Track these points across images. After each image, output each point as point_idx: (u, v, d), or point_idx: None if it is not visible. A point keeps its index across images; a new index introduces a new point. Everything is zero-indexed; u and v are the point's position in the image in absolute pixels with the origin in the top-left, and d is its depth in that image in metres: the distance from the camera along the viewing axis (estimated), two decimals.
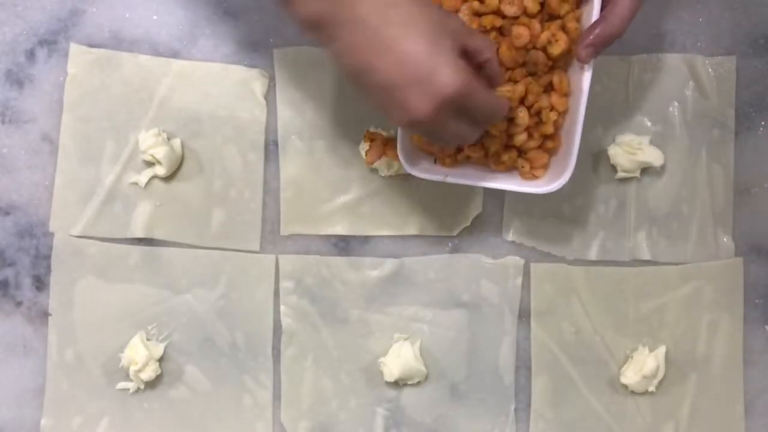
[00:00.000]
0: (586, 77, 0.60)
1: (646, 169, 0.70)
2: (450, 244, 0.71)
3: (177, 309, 0.70)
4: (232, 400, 0.70)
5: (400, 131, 0.62)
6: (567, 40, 0.59)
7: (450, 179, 0.63)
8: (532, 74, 0.61)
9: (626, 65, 0.70)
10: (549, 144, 0.63)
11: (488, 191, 0.70)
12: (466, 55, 0.53)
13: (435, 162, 0.65)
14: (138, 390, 0.70)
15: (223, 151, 0.70)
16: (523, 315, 0.70)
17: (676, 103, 0.71)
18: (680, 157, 0.71)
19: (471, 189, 0.70)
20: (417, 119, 0.51)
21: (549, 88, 0.62)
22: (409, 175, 0.69)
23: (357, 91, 0.54)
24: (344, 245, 0.71)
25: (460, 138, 0.55)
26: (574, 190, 0.70)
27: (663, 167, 0.70)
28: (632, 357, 0.70)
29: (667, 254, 0.71)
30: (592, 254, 0.71)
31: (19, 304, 0.70)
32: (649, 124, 0.71)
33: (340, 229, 0.70)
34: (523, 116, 0.61)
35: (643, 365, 0.68)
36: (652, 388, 0.69)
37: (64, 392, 0.70)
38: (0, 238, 0.70)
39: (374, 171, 0.70)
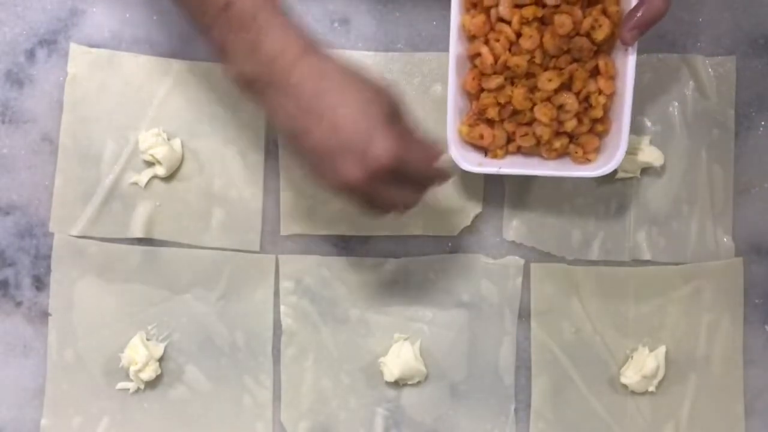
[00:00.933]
0: (631, 59, 0.61)
1: (646, 169, 0.70)
2: (450, 244, 0.71)
3: (177, 309, 0.70)
4: (232, 400, 0.70)
5: (449, 130, 0.63)
6: (610, 24, 0.61)
7: (504, 170, 0.64)
8: (576, 60, 0.62)
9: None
10: (599, 127, 0.64)
11: (489, 191, 0.70)
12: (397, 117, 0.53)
13: (486, 155, 0.66)
14: (138, 390, 0.70)
15: (223, 151, 0.70)
16: (523, 315, 0.70)
17: (676, 103, 0.71)
18: (680, 157, 0.71)
19: (471, 189, 0.70)
20: (349, 186, 0.52)
21: (595, 73, 0.63)
22: None
23: (290, 153, 0.53)
24: (344, 245, 0.71)
25: (398, 204, 0.55)
26: (574, 190, 0.70)
27: (663, 167, 0.70)
28: (632, 357, 0.70)
29: (667, 254, 0.71)
30: (592, 254, 0.71)
31: (19, 304, 0.70)
32: (649, 124, 0.71)
33: (340, 229, 0.70)
34: (571, 102, 0.63)
35: (643, 365, 0.68)
36: (652, 388, 0.69)
37: (64, 392, 0.70)
38: (0, 238, 0.70)
39: None
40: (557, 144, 0.64)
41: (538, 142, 0.65)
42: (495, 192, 0.70)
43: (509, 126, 0.65)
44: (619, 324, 0.70)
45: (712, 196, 0.71)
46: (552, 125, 0.64)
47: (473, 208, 0.70)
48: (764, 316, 0.71)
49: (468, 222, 0.70)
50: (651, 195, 0.71)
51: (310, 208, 0.70)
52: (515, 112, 0.64)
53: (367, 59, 0.70)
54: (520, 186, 0.70)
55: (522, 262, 0.70)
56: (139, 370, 0.68)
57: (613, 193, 0.71)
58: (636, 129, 0.70)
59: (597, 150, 0.65)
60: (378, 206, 0.55)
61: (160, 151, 0.68)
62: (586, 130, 0.64)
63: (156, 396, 0.70)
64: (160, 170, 0.69)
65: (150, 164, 0.69)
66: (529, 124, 0.65)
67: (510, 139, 0.66)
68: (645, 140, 0.69)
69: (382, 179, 0.52)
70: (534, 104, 0.64)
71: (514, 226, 0.71)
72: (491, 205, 0.71)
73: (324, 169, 0.52)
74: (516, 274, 0.70)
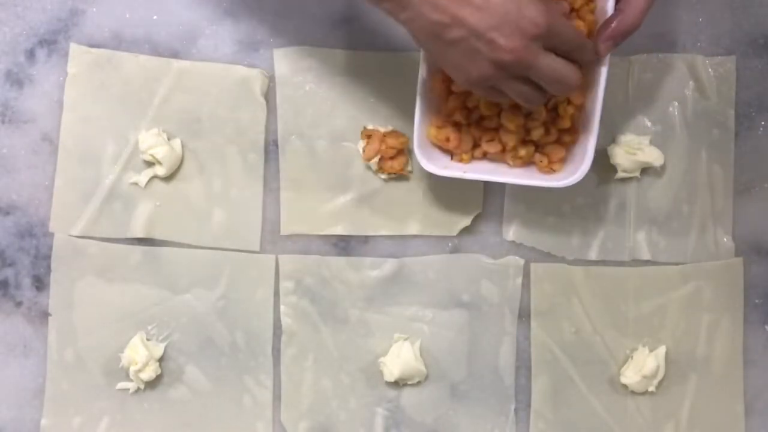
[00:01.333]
0: (603, 71, 0.60)
1: (646, 169, 0.70)
2: (450, 244, 0.71)
3: (177, 309, 0.70)
4: (232, 400, 0.70)
5: (416, 130, 0.63)
6: (585, 30, 0.60)
7: (468, 175, 0.64)
8: None
9: (626, 65, 0.70)
10: (566, 138, 0.64)
11: (489, 190, 0.70)
12: None
13: (452, 158, 0.65)
14: (138, 390, 0.70)
15: (223, 151, 0.70)
16: (523, 315, 0.70)
17: (676, 103, 0.71)
18: (680, 157, 0.71)
19: (471, 189, 0.70)
20: (507, 60, 0.52)
21: None
22: (408, 174, 0.70)
23: (432, 53, 0.55)
24: (344, 245, 0.71)
25: (557, 74, 0.54)
26: (574, 190, 0.70)
27: (663, 167, 0.70)
28: (632, 357, 0.70)
29: (667, 254, 0.71)
30: (592, 254, 0.71)
31: (19, 304, 0.70)
32: (649, 124, 0.71)
33: (340, 229, 0.70)
34: (539, 111, 0.62)
35: (643, 365, 0.68)
36: (652, 388, 0.69)
37: (64, 392, 0.70)
38: (0, 238, 0.70)
39: (373, 171, 0.69)
40: (523, 152, 0.64)
41: (504, 149, 0.64)
42: (495, 192, 0.70)
43: (475, 131, 0.65)
44: (619, 324, 0.70)
45: (712, 196, 0.71)
46: (519, 132, 0.63)
47: (473, 208, 0.70)
48: (764, 316, 0.71)
49: (468, 222, 0.70)
50: (651, 195, 0.71)
51: (310, 208, 0.70)
52: (482, 118, 0.64)
53: (367, 59, 0.70)
54: (520, 186, 0.70)
55: (522, 262, 0.70)
56: (139, 370, 0.68)
57: (613, 193, 0.71)
58: (636, 129, 0.70)
59: (563, 160, 0.64)
60: (549, 78, 0.55)
61: (160, 151, 0.68)
62: (552, 140, 0.64)
63: (156, 396, 0.70)
64: (160, 170, 0.69)
65: (150, 164, 0.69)
66: (496, 129, 0.64)
67: (476, 144, 0.65)
68: (645, 140, 0.69)
69: (538, 48, 0.52)
70: (501, 110, 0.63)
71: (514, 226, 0.71)
72: (491, 205, 0.71)
73: (478, 56, 0.53)
74: (516, 274, 0.70)
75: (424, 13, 0.52)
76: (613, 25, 0.58)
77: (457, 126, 0.65)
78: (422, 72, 0.62)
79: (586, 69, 0.60)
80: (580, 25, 0.60)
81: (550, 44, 0.54)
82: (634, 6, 0.57)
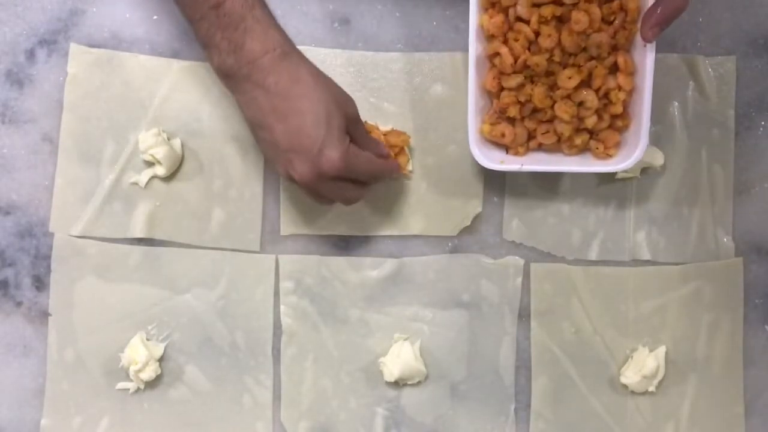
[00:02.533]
0: (650, 55, 0.62)
1: (646, 169, 0.70)
2: (450, 244, 0.71)
3: (177, 309, 0.70)
4: (232, 400, 0.70)
5: (470, 128, 0.64)
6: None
7: (526, 168, 0.65)
8: (595, 57, 0.63)
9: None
10: (619, 123, 0.65)
11: (489, 190, 0.70)
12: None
13: (507, 152, 0.66)
14: (138, 390, 0.70)
15: (223, 151, 0.70)
16: (523, 315, 0.70)
17: (676, 103, 0.71)
18: (680, 157, 0.71)
19: (471, 189, 0.70)
20: (299, 181, 0.59)
21: (614, 69, 0.63)
22: (409, 175, 0.70)
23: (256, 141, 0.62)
24: (344, 245, 0.71)
25: (345, 197, 0.62)
26: (574, 190, 0.70)
27: (663, 167, 0.70)
28: (632, 357, 0.70)
29: (667, 254, 0.71)
30: (592, 254, 0.71)
31: (19, 304, 0.70)
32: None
33: (340, 229, 0.70)
34: (591, 99, 0.63)
35: (643, 365, 0.68)
36: (652, 388, 0.69)
37: (64, 392, 0.70)
38: (0, 238, 0.70)
39: None
40: (578, 140, 0.65)
41: (559, 139, 0.65)
42: (495, 192, 0.70)
43: (530, 124, 0.65)
44: (619, 324, 0.70)
45: (712, 196, 0.71)
46: (573, 122, 0.64)
47: (473, 208, 0.70)
48: (764, 316, 0.71)
49: (468, 222, 0.70)
50: (651, 195, 0.71)
51: (310, 208, 0.70)
52: (536, 110, 0.65)
53: (367, 59, 0.70)
54: (520, 186, 0.70)
55: (522, 262, 0.70)
56: (139, 370, 0.68)
57: (613, 193, 0.71)
58: None
59: (617, 145, 0.65)
60: (325, 199, 0.62)
61: (160, 151, 0.68)
62: (606, 126, 0.65)
63: (156, 396, 0.70)
64: (160, 170, 0.69)
65: (150, 164, 0.69)
66: (550, 121, 0.65)
67: (531, 137, 0.66)
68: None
69: (329, 181, 0.59)
70: (554, 102, 0.64)
71: (514, 226, 0.71)
72: (491, 205, 0.71)
73: (280, 162, 0.59)
74: (516, 274, 0.70)
75: (250, 107, 0.59)
76: (659, 10, 0.59)
77: (510, 120, 0.65)
78: (472, 72, 0.63)
79: (634, 54, 0.63)
80: (625, 8, 0.62)
81: (346, 177, 0.60)
82: None
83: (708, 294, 0.70)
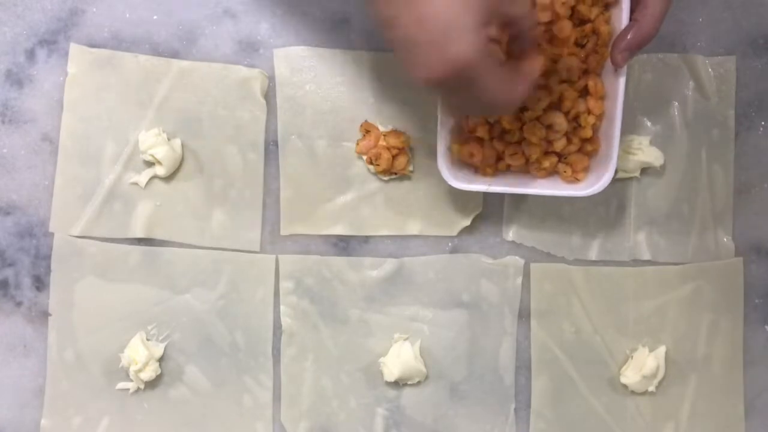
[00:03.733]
0: (621, 80, 0.61)
1: (646, 169, 0.70)
2: (450, 244, 0.71)
3: (177, 309, 0.70)
4: (232, 400, 0.70)
5: (439, 147, 0.63)
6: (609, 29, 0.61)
7: (494, 189, 0.65)
8: (565, 81, 0.63)
9: (626, 65, 0.70)
10: (588, 147, 0.64)
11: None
12: (503, 25, 0.51)
13: (476, 172, 0.66)
14: (138, 390, 0.70)
15: (223, 151, 0.70)
16: (523, 315, 0.70)
17: (676, 103, 0.71)
18: (680, 157, 0.71)
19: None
20: (430, 81, 0.50)
21: (584, 93, 0.63)
22: (409, 175, 0.70)
23: (390, 46, 0.52)
24: (344, 245, 0.71)
25: (474, 108, 0.54)
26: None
27: (663, 167, 0.70)
28: (632, 357, 0.70)
29: (667, 254, 0.71)
30: (592, 254, 0.71)
31: (19, 304, 0.70)
32: (649, 124, 0.71)
33: (340, 229, 0.70)
34: (561, 122, 0.63)
35: (643, 365, 0.68)
36: (652, 388, 0.69)
37: (64, 392, 0.70)
38: (0, 238, 0.70)
39: (372, 173, 0.69)
40: (546, 163, 0.64)
41: (527, 161, 0.65)
42: (495, 192, 0.70)
43: (499, 145, 0.65)
44: (619, 324, 0.70)
45: (712, 196, 0.71)
46: (541, 145, 0.64)
47: (473, 208, 0.70)
48: (764, 316, 0.71)
49: (468, 222, 0.70)
50: (651, 195, 0.71)
51: (310, 208, 0.70)
52: (505, 132, 0.64)
53: (367, 59, 0.70)
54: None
55: (522, 262, 0.70)
56: (139, 370, 0.68)
57: (613, 193, 0.71)
58: (636, 129, 0.71)
59: (586, 169, 0.65)
60: (458, 107, 0.54)
61: (160, 151, 0.68)
62: (575, 150, 0.64)
63: (156, 396, 0.70)
64: (160, 170, 0.69)
65: (150, 164, 0.69)
66: (519, 143, 0.65)
67: (499, 158, 0.66)
68: (645, 140, 0.70)
69: (457, 81, 0.50)
70: (523, 124, 0.64)
71: (514, 226, 0.71)
72: (491, 205, 0.71)
73: (407, 61, 0.51)
74: (516, 274, 0.70)
75: (375, 3, 0.51)
76: (629, 36, 0.59)
77: (479, 141, 0.65)
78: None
79: (605, 78, 0.62)
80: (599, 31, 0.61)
81: (471, 82, 0.50)
82: (650, 16, 0.58)
83: (708, 294, 0.71)
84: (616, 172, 0.62)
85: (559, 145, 0.64)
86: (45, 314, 0.70)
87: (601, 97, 0.63)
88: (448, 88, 0.51)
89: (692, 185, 0.71)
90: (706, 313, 0.70)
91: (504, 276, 0.70)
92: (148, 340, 0.69)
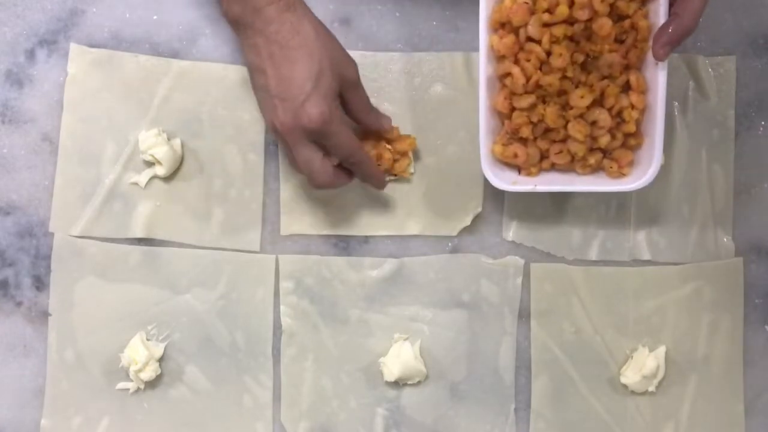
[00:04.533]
0: (662, 73, 0.62)
1: None
2: (450, 244, 0.71)
3: (177, 309, 0.70)
4: (232, 400, 0.70)
5: (482, 149, 0.64)
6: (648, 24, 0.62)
7: (540, 188, 0.65)
8: (607, 77, 0.63)
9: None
10: (632, 141, 0.64)
11: (489, 190, 0.70)
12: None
13: (520, 173, 0.66)
14: (138, 390, 0.70)
15: (223, 151, 0.70)
16: (523, 315, 0.70)
17: (676, 103, 0.71)
18: (680, 157, 0.71)
19: (471, 189, 0.70)
20: (279, 128, 0.60)
21: (626, 88, 0.63)
22: (409, 175, 0.70)
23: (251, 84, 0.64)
24: (344, 245, 0.71)
25: (308, 165, 0.62)
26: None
27: (663, 167, 0.70)
28: (632, 357, 0.70)
29: (667, 254, 0.71)
30: (592, 254, 0.71)
31: (19, 304, 0.70)
32: None
33: (340, 229, 0.70)
34: (605, 118, 0.63)
35: (643, 365, 0.68)
36: (652, 388, 0.69)
37: (64, 392, 0.70)
38: (0, 238, 0.70)
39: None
40: (592, 160, 0.65)
41: (573, 159, 0.65)
42: (495, 192, 0.70)
43: (543, 144, 0.65)
44: (619, 324, 0.70)
45: (712, 196, 0.71)
46: (586, 141, 0.64)
47: (473, 208, 0.70)
48: (764, 316, 0.71)
49: (468, 222, 0.70)
50: (651, 195, 0.71)
51: (310, 208, 0.70)
52: (548, 130, 0.64)
53: (367, 59, 0.70)
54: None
55: (522, 262, 0.70)
56: (139, 370, 0.68)
57: (613, 193, 0.71)
58: None
59: (631, 164, 0.65)
60: (300, 162, 0.62)
61: (160, 151, 0.68)
62: (619, 145, 0.64)
63: (156, 396, 0.70)
64: (160, 170, 0.69)
65: (150, 164, 0.69)
66: (563, 141, 0.65)
67: (543, 157, 0.66)
68: None
69: (306, 136, 0.60)
70: (567, 121, 0.64)
71: (514, 226, 0.71)
72: (491, 205, 0.71)
73: (267, 108, 0.62)
74: (516, 274, 0.70)
75: (251, 51, 0.61)
76: (670, 29, 0.59)
77: (523, 141, 0.65)
78: (482, 91, 0.63)
79: (645, 73, 0.63)
80: (637, 26, 0.61)
81: (323, 144, 0.61)
82: (690, 10, 0.58)
83: (708, 294, 0.70)
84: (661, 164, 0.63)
85: (604, 140, 0.64)
86: (45, 314, 0.70)
87: (643, 92, 0.63)
88: (294, 140, 0.61)
89: (692, 185, 0.71)
90: (706, 313, 0.70)
91: (504, 276, 0.70)
92: (148, 340, 0.69)
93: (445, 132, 0.70)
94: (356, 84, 0.63)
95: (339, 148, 0.62)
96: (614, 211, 0.71)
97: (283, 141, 0.62)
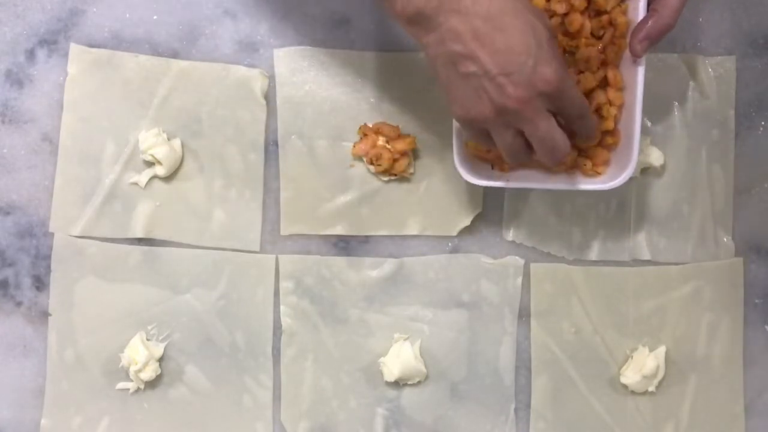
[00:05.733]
0: (640, 70, 0.61)
1: (646, 169, 0.70)
2: (450, 244, 0.71)
3: (177, 309, 0.70)
4: (232, 400, 0.70)
5: (455, 143, 0.63)
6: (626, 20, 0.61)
7: (512, 184, 0.64)
8: (583, 72, 0.62)
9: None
10: (609, 140, 0.63)
11: (489, 190, 0.70)
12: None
13: (492, 168, 0.65)
14: (138, 390, 0.70)
15: (223, 151, 0.70)
16: (523, 315, 0.70)
17: (676, 103, 0.71)
18: (680, 157, 0.71)
19: (471, 189, 0.70)
20: (510, 108, 0.52)
21: (603, 85, 0.62)
22: (409, 175, 0.70)
23: (443, 80, 0.54)
24: (344, 245, 0.71)
25: (549, 139, 0.54)
26: (574, 190, 0.70)
27: (663, 167, 0.70)
28: (632, 357, 0.70)
29: (667, 254, 0.71)
30: (592, 254, 0.71)
31: (19, 304, 0.70)
32: (649, 124, 0.71)
33: (340, 229, 0.70)
34: None
35: (643, 365, 0.68)
36: (652, 388, 0.69)
37: (64, 392, 0.70)
38: (0, 238, 0.70)
39: (372, 173, 0.69)
40: (567, 157, 0.64)
41: None
42: (495, 192, 0.70)
43: None
44: (619, 324, 0.70)
45: (712, 196, 0.71)
46: None
47: (473, 208, 0.70)
48: (764, 316, 0.71)
49: (468, 222, 0.70)
50: (651, 195, 0.71)
51: (310, 208, 0.70)
52: None
53: (367, 59, 0.70)
54: (521, 186, 0.70)
55: (522, 262, 0.70)
56: (139, 370, 0.68)
57: (613, 193, 0.71)
58: None
59: (607, 163, 0.64)
60: (539, 138, 0.55)
61: (160, 151, 0.68)
62: (595, 143, 0.64)
63: (156, 396, 0.70)
64: (160, 170, 0.69)
65: (150, 164, 0.69)
66: None
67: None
68: (645, 140, 0.69)
69: (541, 105, 0.53)
70: None
71: (514, 226, 0.71)
72: (491, 205, 0.71)
73: (484, 95, 0.53)
74: (516, 274, 0.70)
75: (446, 41, 0.52)
76: (648, 25, 0.59)
77: None
78: None
79: (623, 70, 0.62)
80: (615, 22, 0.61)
81: (556, 107, 0.54)
82: (669, 6, 0.58)
83: (708, 294, 0.71)
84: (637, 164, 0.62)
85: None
86: (45, 314, 0.70)
87: (620, 89, 0.62)
88: (527, 113, 0.53)
89: (692, 185, 0.71)
90: (706, 313, 0.70)
91: (504, 276, 0.70)
92: (148, 340, 0.69)
93: (445, 132, 0.70)
94: (555, 36, 0.57)
95: (573, 106, 0.55)
96: (614, 211, 0.71)
97: (508, 123, 0.54)
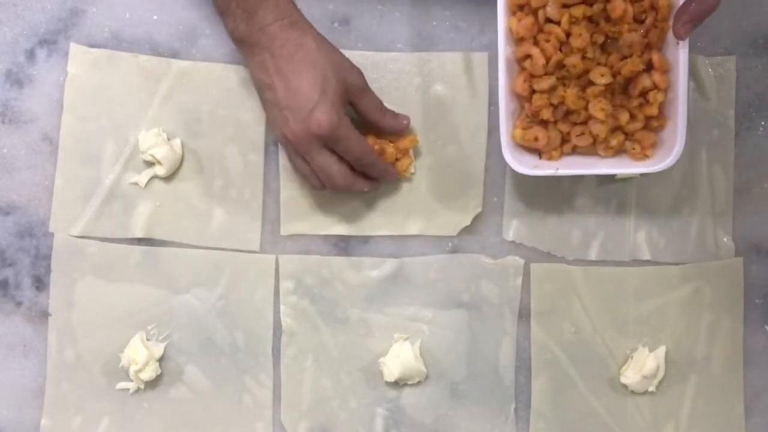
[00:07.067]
0: (683, 52, 0.61)
1: None
2: (450, 244, 0.71)
3: (177, 309, 0.70)
4: (232, 400, 0.70)
5: (502, 134, 0.63)
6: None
7: (561, 172, 0.64)
8: (627, 57, 0.62)
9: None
10: (655, 123, 0.64)
11: (489, 190, 0.70)
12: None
13: (540, 157, 0.65)
14: (138, 390, 0.70)
15: (223, 151, 0.70)
16: (523, 315, 0.70)
17: None
18: (680, 157, 0.71)
19: (471, 189, 0.70)
20: (289, 139, 0.62)
21: (647, 69, 0.63)
22: (410, 175, 0.70)
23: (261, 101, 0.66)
24: (344, 245, 0.71)
25: (325, 171, 0.63)
26: (575, 190, 0.70)
27: None
28: (632, 357, 0.70)
29: (667, 254, 0.71)
30: (592, 254, 0.71)
31: (19, 304, 0.70)
32: None
33: (340, 229, 0.70)
34: (628, 99, 0.63)
35: (643, 365, 0.68)
36: (652, 388, 0.69)
37: (64, 392, 0.70)
38: (0, 238, 0.70)
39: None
40: (614, 141, 0.64)
41: (594, 141, 0.64)
42: (495, 192, 0.70)
43: (563, 126, 0.64)
44: (619, 324, 0.70)
45: (712, 196, 0.71)
46: (608, 121, 0.63)
47: (473, 208, 0.70)
48: (764, 316, 0.71)
49: (468, 222, 0.70)
50: (651, 195, 0.71)
51: (310, 208, 0.70)
52: (569, 112, 0.64)
53: (367, 59, 0.70)
54: (520, 186, 0.70)
55: (522, 262, 0.70)
56: (139, 370, 0.68)
57: (613, 193, 0.71)
58: None
59: (654, 145, 0.64)
60: (309, 170, 0.65)
61: (160, 151, 0.68)
62: (641, 127, 0.64)
63: (156, 396, 0.70)
64: (160, 170, 0.69)
65: (150, 164, 0.69)
66: (585, 122, 0.64)
67: (564, 140, 0.65)
68: None
69: (317, 144, 0.62)
70: (587, 102, 0.63)
71: (514, 226, 0.71)
72: (491, 205, 0.71)
73: (278, 121, 0.63)
74: (516, 274, 0.70)
75: (257, 68, 0.64)
76: (692, 7, 0.59)
77: (543, 124, 0.64)
78: (502, 75, 0.62)
79: (666, 52, 0.62)
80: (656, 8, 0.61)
81: (334, 148, 0.63)
82: None
83: (708, 294, 0.70)
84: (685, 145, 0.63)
85: (625, 118, 0.63)
86: (45, 314, 0.70)
87: (666, 71, 0.62)
88: (306, 148, 0.62)
89: (692, 185, 0.71)
90: (706, 313, 0.70)
91: (504, 276, 0.70)
92: (148, 340, 0.69)
93: (445, 132, 0.70)
94: (364, 89, 0.65)
95: (349, 152, 0.63)
96: (614, 211, 0.71)
97: (295, 151, 0.64)
